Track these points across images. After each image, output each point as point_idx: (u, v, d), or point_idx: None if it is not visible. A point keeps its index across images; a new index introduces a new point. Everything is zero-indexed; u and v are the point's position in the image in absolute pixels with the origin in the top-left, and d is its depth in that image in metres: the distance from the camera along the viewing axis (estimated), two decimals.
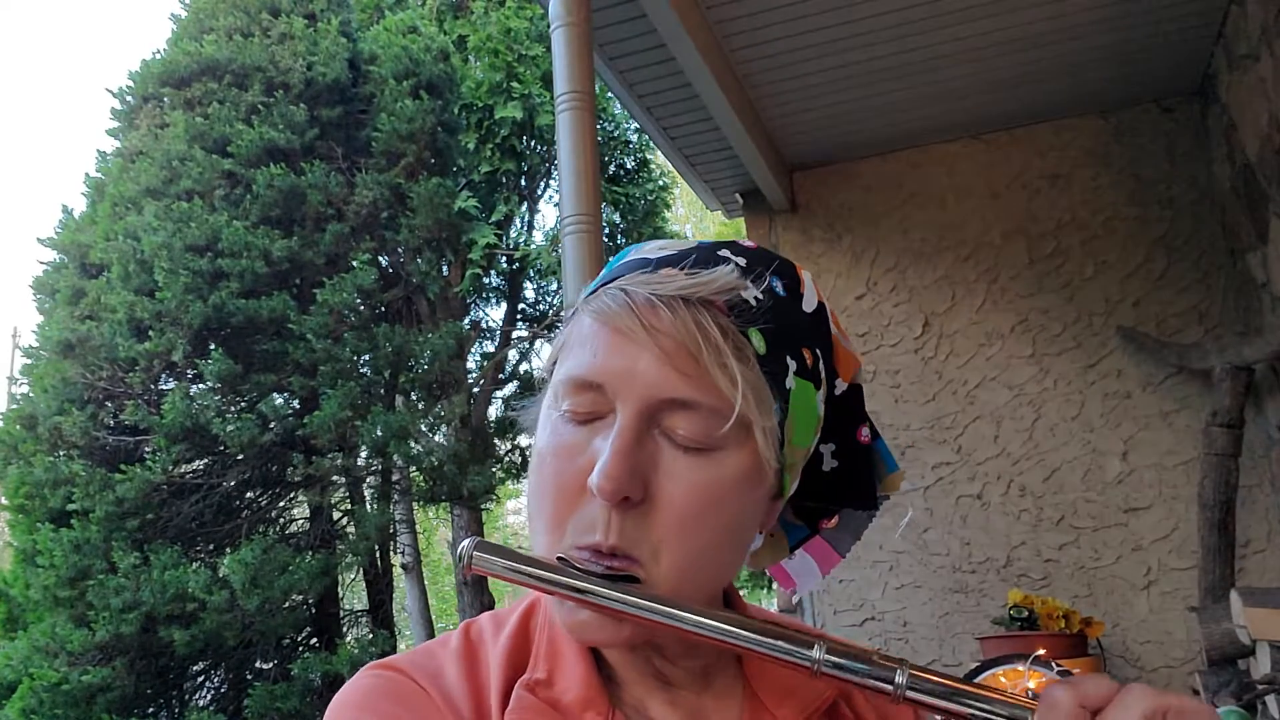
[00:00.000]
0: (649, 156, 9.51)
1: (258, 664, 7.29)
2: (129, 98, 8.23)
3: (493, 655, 0.64)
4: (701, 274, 0.58)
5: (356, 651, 7.11)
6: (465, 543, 0.58)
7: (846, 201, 4.11)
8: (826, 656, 0.53)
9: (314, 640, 7.60)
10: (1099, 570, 3.57)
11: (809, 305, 0.63)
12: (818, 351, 0.62)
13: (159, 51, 8.29)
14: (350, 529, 7.90)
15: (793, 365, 0.59)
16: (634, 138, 9.40)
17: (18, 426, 7.24)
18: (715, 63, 3.03)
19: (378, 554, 8.17)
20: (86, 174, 8.20)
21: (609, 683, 0.63)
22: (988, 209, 3.91)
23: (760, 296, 0.59)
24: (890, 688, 0.52)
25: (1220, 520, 3.05)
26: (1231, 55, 3.21)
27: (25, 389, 7.58)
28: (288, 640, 7.36)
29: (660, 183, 9.66)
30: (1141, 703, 0.47)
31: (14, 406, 7.41)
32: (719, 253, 0.61)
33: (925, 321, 3.91)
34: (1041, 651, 2.89)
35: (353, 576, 8.22)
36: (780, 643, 0.54)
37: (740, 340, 0.57)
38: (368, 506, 8.03)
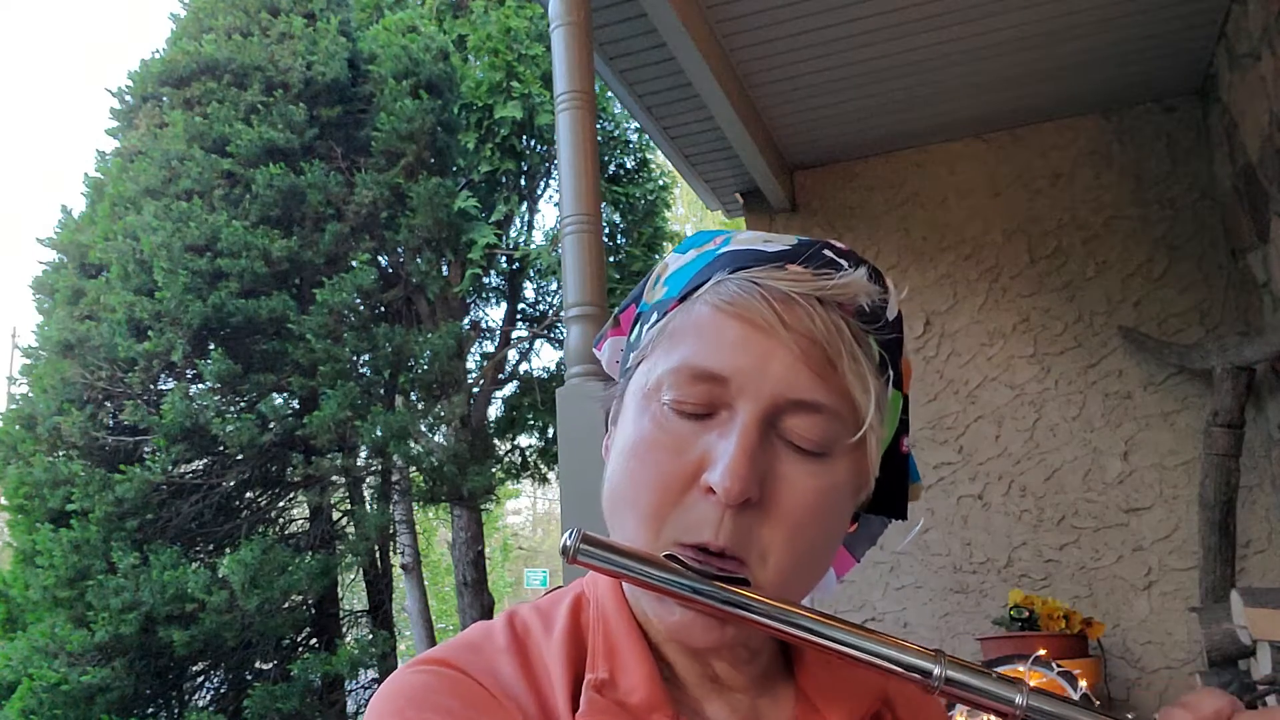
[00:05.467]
0: (649, 156, 9.50)
1: (257, 664, 7.28)
2: (128, 97, 8.22)
3: (549, 652, 0.60)
4: (836, 275, 0.56)
5: (356, 652, 7.11)
6: (569, 533, 0.55)
7: (847, 201, 4.10)
8: (949, 673, 0.51)
9: (314, 641, 7.59)
10: (1099, 570, 3.56)
11: (892, 313, 0.61)
12: (899, 360, 0.62)
13: (158, 51, 8.28)
14: (350, 529, 7.90)
15: (892, 373, 0.59)
16: (634, 138, 9.39)
17: (17, 426, 7.23)
18: (715, 62, 3.02)
19: (377, 554, 8.17)
20: (86, 174, 8.19)
21: (668, 683, 0.60)
22: (989, 208, 3.90)
23: (873, 301, 0.57)
24: (1012, 709, 0.51)
25: (1221, 520, 3.05)
26: (1232, 54, 3.20)
27: (25, 389, 7.58)
28: (287, 640, 7.35)
29: (660, 182, 9.66)
30: (1264, 716, 0.47)
31: (13, 406, 7.40)
32: (825, 252, 0.59)
33: (926, 321, 3.91)
34: (1042, 652, 2.89)
35: (352, 577, 8.21)
36: (902, 655, 0.52)
37: (869, 347, 0.56)
38: (367, 507, 8.03)
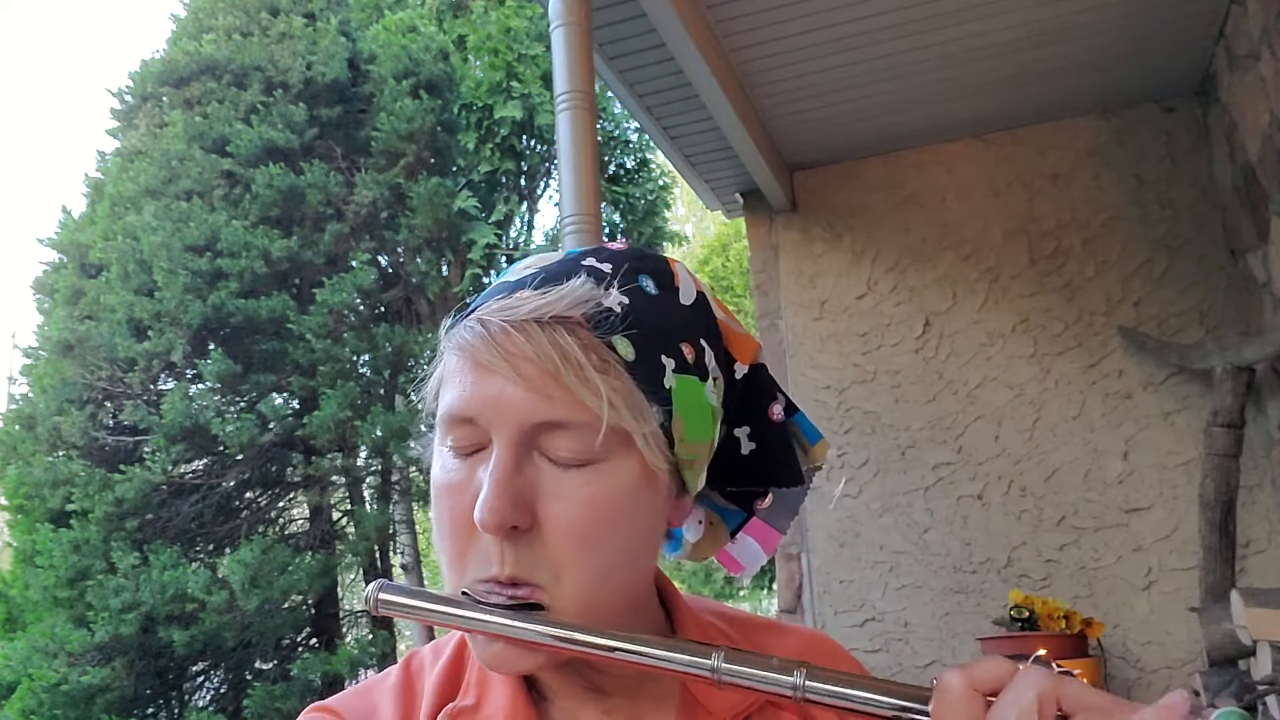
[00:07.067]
0: (649, 156, 9.51)
1: (257, 664, 7.29)
2: (128, 97, 8.23)
3: (427, 685, 0.65)
4: (551, 292, 0.57)
5: (356, 652, 7.11)
6: (371, 585, 0.58)
7: (847, 201, 4.10)
8: (725, 665, 0.54)
9: (313, 641, 7.60)
10: (1099, 570, 3.56)
11: (687, 298, 0.63)
12: (702, 344, 0.62)
13: (158, 51, 8.29)
14: (350, 529, 7.90)
15: (670, 364, 0.59)
16: (634, 138, 9.40)
17: (17, 426, 7.23)
18: (715, 62, 3.02)
19: (377, 554, 8.17)
20: (86, 174, 8.21)
21: (541, 700, 0.64)
22: (988, 209, 3.90)
23: (626, 301, 0.58)
24: (789, 691, 0.53)
25: (1221, 520, 3.05)
26: (1232, 55, 3.20)
27: (25, 389, 7.58)
28: (287, 640, 7.36)
29: (660, 182, 9.66)
30: (1036, 684, 0.46)
31: (14, 406, 7.41)
32: (583, 263, 0.61)
33: (926, 321, 3.91)
34: (1042, 652, 2.89)
35: (352, 577, 8.22)
36: (679, 655, 0.55)
37: (603, 351, 0.57)
38: (367, 506, 8.03)
